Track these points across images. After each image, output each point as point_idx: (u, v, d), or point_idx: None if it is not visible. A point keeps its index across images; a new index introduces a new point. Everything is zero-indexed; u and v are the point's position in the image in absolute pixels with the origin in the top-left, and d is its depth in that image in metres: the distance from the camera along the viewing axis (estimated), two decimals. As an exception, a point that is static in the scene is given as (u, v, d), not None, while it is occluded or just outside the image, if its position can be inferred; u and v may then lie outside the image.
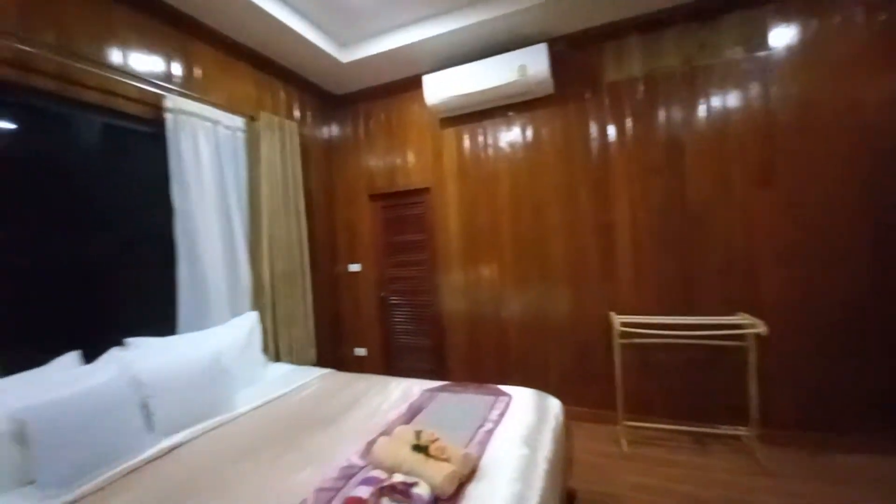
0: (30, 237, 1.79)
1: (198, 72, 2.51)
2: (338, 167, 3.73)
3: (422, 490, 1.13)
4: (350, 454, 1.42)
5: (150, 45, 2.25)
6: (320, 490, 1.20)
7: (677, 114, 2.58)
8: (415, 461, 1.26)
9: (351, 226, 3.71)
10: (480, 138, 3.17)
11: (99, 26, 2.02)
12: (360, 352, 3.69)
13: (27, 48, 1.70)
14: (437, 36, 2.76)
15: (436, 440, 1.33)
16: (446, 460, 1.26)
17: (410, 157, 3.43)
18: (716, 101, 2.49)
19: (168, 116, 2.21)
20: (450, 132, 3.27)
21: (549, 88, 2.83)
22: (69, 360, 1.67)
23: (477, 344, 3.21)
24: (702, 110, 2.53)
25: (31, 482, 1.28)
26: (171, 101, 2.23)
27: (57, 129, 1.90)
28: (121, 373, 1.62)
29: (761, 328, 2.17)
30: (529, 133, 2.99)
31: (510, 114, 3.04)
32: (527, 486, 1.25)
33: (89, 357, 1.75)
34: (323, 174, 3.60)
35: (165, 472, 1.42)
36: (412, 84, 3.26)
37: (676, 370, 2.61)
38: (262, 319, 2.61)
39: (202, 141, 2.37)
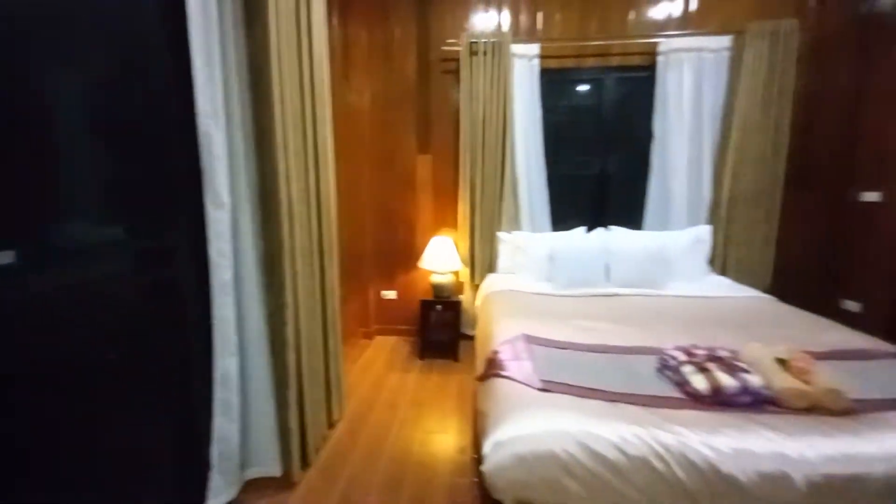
0: (573, 159, 3.16)
1: (694, 4, 2.81)
2: (875, 56, 2.70)
3: (752, 378, 1.27)
4: (725, 345, 1.65)
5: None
6: (676, 346, 1.61)
7: None
8: (768, 367, 1.35)
9: (880, 138, 2.69)
10: None
11: (619, 2, 2.86)
12: (853, 306, 2.87)
13: (580, 42, 2.86)
14: None
15: (806, 365, 1.30)
16: (805, 381, 1.25)
17: None
18: None
19: (659, 59, 2.79)
20: None
21: None
22: (579, 231, 2.94)
23: None
24: None
25: (551, 280, 2.64)
26: (664, 44, 2.76)
27: (593, 87, 3.06)
28: (600, 244, 2.69)
29: None
30: None
31: None
32: (891, 454, 1.01)
33: (589, 230, 2.96)
34: (844, 70, 2.79)
35: (607, 303, 2.35)
36: None
37: None
38: (714, 234, 2.85)
39: (685, 72, 2.77)
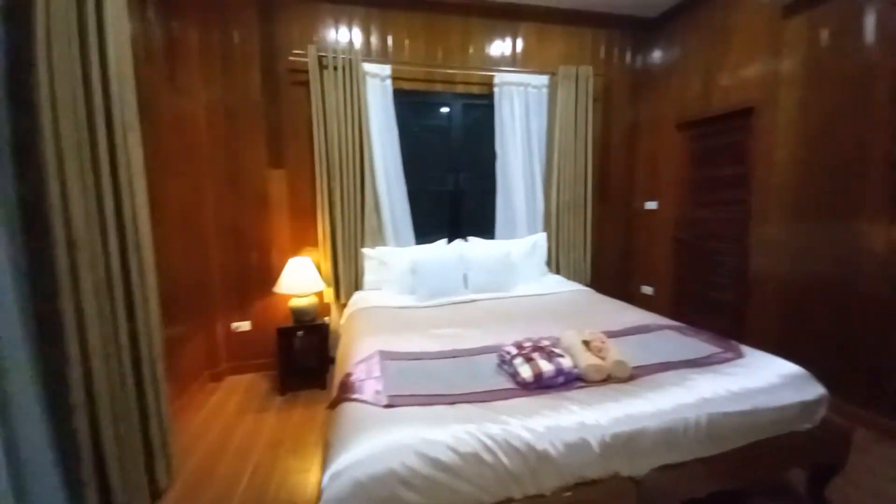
0: (429, 176, 3.34)
1: (520, 47, 3.31)
2: (645, 99, 3.61)
3: (564, 361, 1.51)
4: (549, 334, 1.92)
5: (490, 37, 3.23)
6: (514, 343, 1.82)
7: None
8: (578, 349, 1.61)
9: (652, 160, 3.59)
10: (849, 18, 2.13)
11: (462, 36, 3.18)
12: (647, 290, 3.72)
13: (428, 68, 3.08)
14: None
15: (601, 343, 1.60)
16: (601, 358, 1.54)
17: (731, 72, 2.81)
18: None
19: (496, 90, 3.18)
20: (797, 23, 2.39)
21: None
22: (441, 243, 3.11)
23: (796, 316, 2.48)
24: None
25: (414, 293, 2.72)
26: (498, 77, 3.17)
27: (440, 111, 3.31)
28: (458, 253, 2.88)
29: None
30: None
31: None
32: (660, 409, 1.31)
33: (450, 241, 3.15)
34: (626, 108, 3.64)
35: (463, 309, 2.51)
36: (743, -28, 2.57)
37: None
38: (549, 240, 3.34)
39: (516, 102, 3.22)
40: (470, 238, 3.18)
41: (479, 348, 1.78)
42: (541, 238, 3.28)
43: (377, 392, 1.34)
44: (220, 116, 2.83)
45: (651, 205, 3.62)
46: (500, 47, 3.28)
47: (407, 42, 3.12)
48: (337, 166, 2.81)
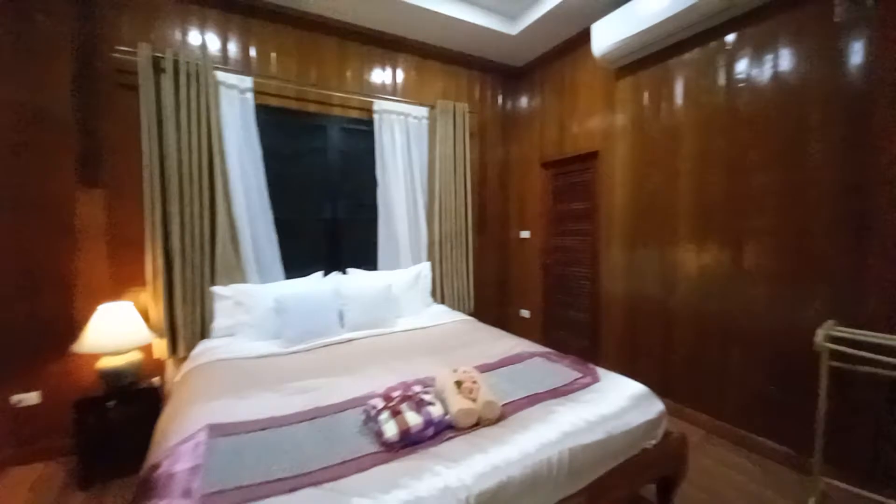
0: (304, 204, 3.04)
1: (400, 77, 3.30)
2: (515, 138, 3.95)
3: (434, 410, 1.39)
4: (426, 374, 1.80)
5: (370, 64, 3.16)
6: (384, 391, 1.64)
7: None
8: (450, 391, 1.51)
9: (523, 194, 3.89)
10: (661, 84, 2.62)
11: (339, 58, 3.04)
12: (524, 313, 3.94)
13: (301, 87, 2.84)
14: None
15: (473, 383, 1.53)
16: (472, 399, 1.46)
17: (579, 120, 3.24)
18: None
19: (375, 116, 3.09)
20: (625, 83, 2.86)
21: (767, -7, 2.02)
22: (316, 276, 2.80)
23: (635, 331, 2.85)
24: None
25: (279, 336, 2.36)
26: (377, 104, 3.08)
27: (318, 134, 3.07)
28: (334, 288, 2.60)
29: None
30: (739, 62, 2.23)
31: (711, 44, 2.35)
32: (525, 452, 1.28)
33: (326, 275, 2.86)
34: (499, 146, 3.92)
35: (337, 352, 2.25)
36: (583, 39, 3.01)
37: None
38: (433, 269, 3.31)
39: (396, 130, 3.17)
40: (350, 270, 2.95)
41: (346, 402, 1.55)
42: (425, 268, 3.22)
43: (187, 491, 1.01)
44: (9, 120, 2.11)
45: (525, 234, 3.90)
46: (381, 75, 3.22)
47: (274, 55, 2.84)
48: (176, 187, 2.32)
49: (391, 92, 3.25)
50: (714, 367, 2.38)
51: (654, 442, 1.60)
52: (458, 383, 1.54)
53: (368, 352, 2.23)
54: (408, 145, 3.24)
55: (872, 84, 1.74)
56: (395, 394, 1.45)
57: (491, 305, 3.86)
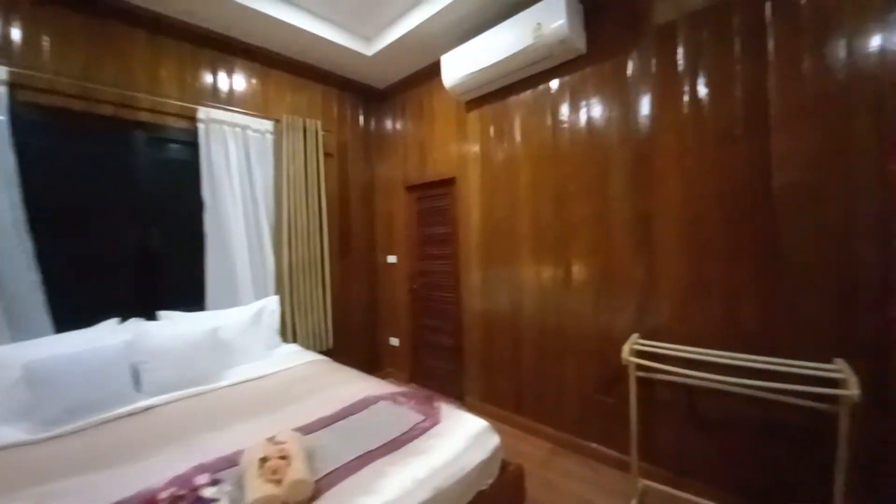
0: (102, 232, 2.36)
1: (239, 85, 2.88)
2: (379, 160, 3.83)
3: (218, 508, 1.08)
4: (240, 447, 1.45)
5: (194, 65, 2.67)
6: (173, 477, 1.26)
7: (763, 59, 1.76)
8: (250, 474, 1.21)
9: (389, 217, 3.77)
10: (503, 119, 2.79)
11: (151, 54, 2.50)
12: (394, 342, 3.77)
13: (89, 84, 2.23)
14: (449, 6, 2.51)
15: (282, 457, 1.25)
16: (276, 481, 1.18)
17: (438, 146, 3.28)
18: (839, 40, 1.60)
19: (200, 126, 2.61)
20: (474, 116, 2.98)
21: (579, 47, 2.29)
22: (108, 325, 2.16)
23: (492, 350, 2.92)
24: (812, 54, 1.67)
25: (29, 418, 1.70)
26: (203, 112, 2.61)
27: (120, 144, 2.45)
28: (127, 341, 2.02)
29: (853, 390, 1.35)
30: (561, 105, 2.47)
31: (539, 87, 2.58)
32: None
33: (124, 321, 2.23)
34: (362, 167, 3.75)
35: (124, 430, 1.70)
36: (436, 69, 3.06)
37: (721, 426, 1.87)
38: (282, 303, 2.90)
39: (231, 144, 2.72)
40: (163, 313, 2.36)
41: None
42: (271, 302, 2.79)
43: None
44: None
45: (392, 258, 3.76)
46: (209, 78, 2.75)
47: (47, 42, 2.18)
48: None
49: (226, 101, 2.80)
50: (554, 379, 2.54)
51: (490, 481, 1.54)
52: (263, 460, 1.25)
53: (173, 423, 1.74)
54: (247, 162, 2.82)
55: (654, 131, 2.09)
56: (164, 496, 1.08)
57: (357, 335, 3.59)
